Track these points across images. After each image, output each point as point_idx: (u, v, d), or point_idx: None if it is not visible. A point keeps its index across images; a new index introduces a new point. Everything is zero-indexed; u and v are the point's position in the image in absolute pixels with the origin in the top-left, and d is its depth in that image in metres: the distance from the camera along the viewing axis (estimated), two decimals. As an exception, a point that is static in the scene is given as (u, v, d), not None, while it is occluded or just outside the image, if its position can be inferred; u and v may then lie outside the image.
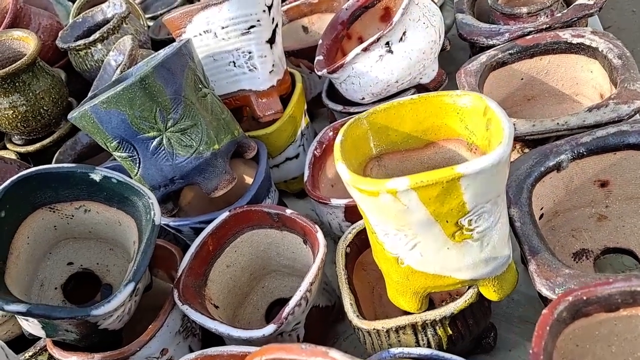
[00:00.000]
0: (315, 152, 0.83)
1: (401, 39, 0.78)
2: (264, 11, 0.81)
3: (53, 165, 0.63)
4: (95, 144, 0.97)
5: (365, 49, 0.77)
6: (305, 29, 1.13)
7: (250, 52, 0.81)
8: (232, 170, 0.74)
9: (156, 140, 0.68)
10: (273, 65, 0.84)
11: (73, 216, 0.66)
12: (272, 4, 0.82)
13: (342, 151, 0.55)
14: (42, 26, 1.26)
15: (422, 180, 0.46)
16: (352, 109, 0.88)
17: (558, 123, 0.68)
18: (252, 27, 0.80)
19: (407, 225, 0.51)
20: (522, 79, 0.85)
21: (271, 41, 0.84)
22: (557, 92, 0.85)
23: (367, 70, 0.80)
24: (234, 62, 0.82)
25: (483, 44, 0.85)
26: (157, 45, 1.31)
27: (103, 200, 0.65)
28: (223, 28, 0.80)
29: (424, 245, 0.52)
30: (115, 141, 0.68)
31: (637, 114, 0.67)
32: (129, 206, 0.64)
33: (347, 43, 0.96)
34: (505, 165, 0.49)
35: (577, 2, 0.83)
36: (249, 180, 0.87)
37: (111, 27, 1.02)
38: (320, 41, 0.92)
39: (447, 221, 0.50)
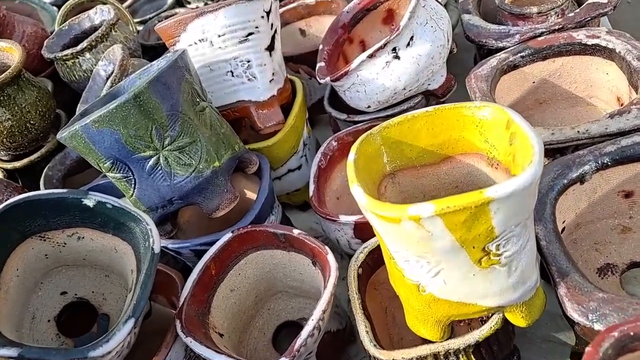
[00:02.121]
0: (319, 164, 0.79)
1: (408, 44, 0.74)
2: (262, 17, 0.77)
3: (43, 191, 0.58)
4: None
5: (370, 56, 0.73)
6: (302, 32, 1.09)
7: (249, 61, 0.77)
8: (233, 189, 0.69)
9: (152, 159, 0.63)
10: (273, 73, 0.80)
11: (65, 244, 0.62)
12: (270, 9, 0.78)
13: (356, 171, 0.51)
14: (26, 34, 1.21)
15: (448, 206, 0.42)
16: (357, 118, 0.84)
17: (579, 131, 0.65)
18: (250, 34, 0.76)
19: (430, 252, 0.47)
20: (533, 82, 0.81)
21: (270, 48, 0.79)
22: (570, 95, 0.82)
23: (373, 77, 0.76)
24: (231, 71, 0.78)
25: (492, 46, 0.82)
26: (147, 50, 1.27)
27: (97, 226, 0.60)
28: (220, 36, 0.75)
29: (448, 272, 0.48)
30: (109, 162, 0.64)
31: (662, 120, 0.63)
32: (126, 232, 0.60)
33: (348, 47, 0.91)
34: (537, 185, 0.45)
35: (590, 1, 0.79)
36: (250, 195, 0.83)
37: (99, 35, 0.97)
38: (321, 46, 0.88)
39: (473, 247, 0.46)
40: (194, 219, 0.80)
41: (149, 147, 0.63)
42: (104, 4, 1.19)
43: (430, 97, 0.84)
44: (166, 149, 0.63)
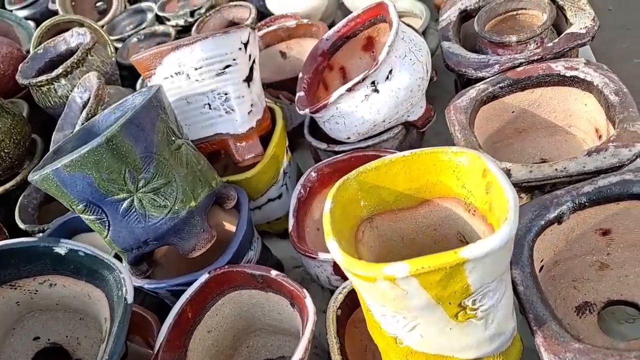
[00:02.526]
0: (299, 196, 0.78)
1: (387, 77, 0.73)
2: (240, 49, 0.75)
3: (13, 240, 0.57)
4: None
5: (349, 89, 0.73)
6: (283, 54, 1.08)
7: (226, 94, 0.76)
8: (210, 228, 0.68)
9: (126, 202, 0.62)
10: (252, 104, 0.79)
11: (37, 291, 0.60)
12: (248, 40, 0.77)
13: (332, 222, 0.50)
14: (1, 55, 1.18)
15: (423, 267, 0.42)
16: (337, 148, 0.83)
17: (557, 169, 0.64)
18: (228, 66, 0.75)
19: (406, 309, 0.46)
20: (513, 112, 0.81)
21: (249, 79, 0.78)
22: (550, 124, 0.82)
23: (352, 110, 0.75)
24: (209, 104, 0.77)
25: (472, 76, 0.81)
26: (124, 69, 1.25)
27: (70, 273, 0.59)
28: (196, 69, 0.74)
29: (424, 326, 0.48)
30: (82, 204, 0.62)
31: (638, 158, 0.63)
32: (99, 280, 0.58)
33: (328, 74, 0.91)
34: (512, 241, 0.45)
35: (568, 31, 0.79)
36: (229, 226, 0.82)
37: (75, 60, 0.96)
38: (300, 74, 0.87)
39: (449, 303, 0.46)
40: (171, 253, 0.79)
41: (123, 189, 0.61)
42: (81, 24, 1.17)
43: (410, 128, 0.83)
44: (140, 191, 0.62)
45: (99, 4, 1.56)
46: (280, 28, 1.05)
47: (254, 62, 0.80)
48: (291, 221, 0.75)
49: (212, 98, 0.76)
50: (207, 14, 1.31)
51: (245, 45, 0.77)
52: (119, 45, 1.38)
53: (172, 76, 0.75)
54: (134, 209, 0.63)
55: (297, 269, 0.89)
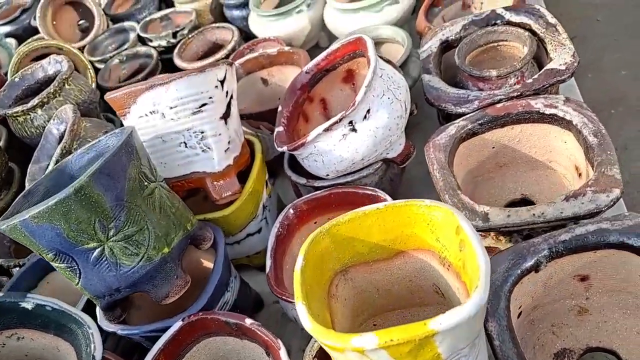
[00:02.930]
0: (277, 235, 0.77)
1: (365, 117, 0.72)
2: (216, 87, 0.74)
3: (-24, 296, 0.55)
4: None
5: (327, 129, 0.72)
6: (264, 81, 1.07)
7: (202, 132, 0.75)
8: (184, 274, 0.67)
9: (97, 251, 0.61)
10: (229, 142, 0.78)
11: (4, 344, 0.59)
12: (225, 77, 0.76)
13: (302, 282, 0.49)
14: (-21, 79, 1.16)
15: (392, 339, 0.41)
16: (316, 183, 0.82)
17: (534, 214, 0.64)
18: (204, 105, 0.74)
19: (377, 376, 0.45)
20: (493, 147, 0.80)
21: (226, 116, 0.77)
22: (531, 159, 0.81)
23: (331, 148, 0.74)
24: (185, 142, 0.75)
25: (451, 111, 0.81)
26: (105, 91, 1.23)
27: (38, 327, 0.58)
28: (171, 108, 0.73)
29: (396, 391, 0.47)
30: (51, 253, 0.61)
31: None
32: (67, 333, 0.57)
33: (309, 106, 0.90)
34: (484, 309, 0.44)
35: (548, 67, 0.79)
36: (206, 264, 0.81)
37: (51, 91, 0.94)
38: (280, 108, 0.86)
39: (421, 370, 0.45)
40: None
41: (93, 239, 0.60)
42: (60, 49, 1.15)
43: (390, 164, 0.83)
44: (111, 240, 0.61)
45: (81, 22, 1.54)
46: (261, 55, 1.04)
47: (231, 97, 0.79)
48: (268, 262, 0.74)
49: (188, 137, 0.75)
50: (190, 36, 1.30)
51: (222, 82, 0.75)
52: (101, 66, 1.36)
53: (146, 115, 0.74)
54: (104, 258, 0.61)
55: (276, 304, 0.88)
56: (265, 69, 1.06)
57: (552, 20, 0.86)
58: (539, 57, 0.87)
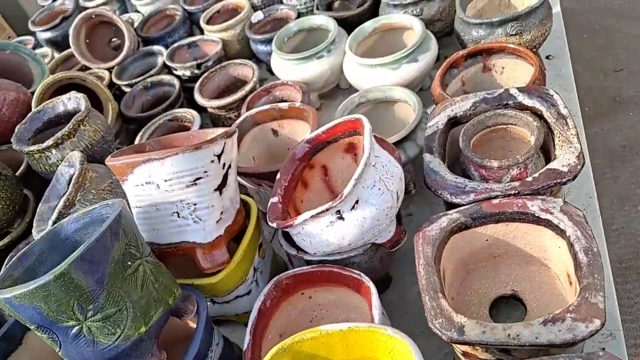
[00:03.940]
0: (259, 309, 0.78)
1: (354, 207, 0.72)
2: (212, 161, 0.76)
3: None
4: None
5: (314, 216, 0.72)
6: (274, 132, 1.08)
7: (195, 204, 0.76)
8: (159, 352, 0.69)
9: (75, 328, 0.63)
10: (222, 212, 0.79)
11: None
12: (222, 151, 0.77)
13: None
14: (7, 102, 1.22)
15: None
16: (306, 257, 0.82)
17: (509, 334, 0.63)
18: (199, 179, 0.75)
19: None
20: (486, 240, 0.79)
21: (221, 186, 0.78)
22: (525, 254, 0.79)
23: (318, 232, 0.74)
24: (177, 212, 0.77)
25: (447, 199, 0.79)
26: (129, 121, 1.27)
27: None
28: (166, 181, 0.74)
29: None
30: (34, 325, 0.64)
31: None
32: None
33: (309, 172, 0.90)
34: None
35: (550, 166, 0.76)
36: (192, 324, 0.83)
37: (66, 133, 0.97)
38: (279, 176, 0.86)
39: None
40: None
41: (72, 318, 0.62)
42: (83, 81, 1.19)
43: (378, 248, 0.82)
44: (89, 320, 0.63)
45: (113, 39, 1.58)
46: (272, 108, 1.04)
47: (229, 167, 0.80)
48: (247, 338, 0.75)
49: (181, 207, 0.77)
50: (212, 70, 1.32)
51: (219, 155, 0.77)
52: (127, 89, 1.40)
53: (142, 185, 0.75)
54: (82, 335, 0.64)
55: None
56: (275, 120, 1.06)
57: (564, 111, 0.83)
58: (547, 144, 0.85)
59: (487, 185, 0.78)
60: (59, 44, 1.82)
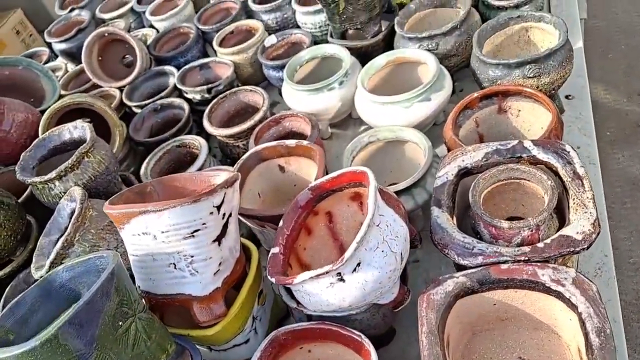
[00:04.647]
0: (256, 365, 0.76)
1: (355, 269, 0.69)
2: (212, 213, 0.73)
3: None
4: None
5: (313, 277, 0.69)
6: (281, 168, 1.05)
7: (192, 256, 0.74)
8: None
9: (61, 391, 0.62)
10: (220, 263, 0.77)
11: None
12: (222, 201, 0.75)
13: None
14: (15, 123, 1.21)
15: None
16: (307, 311, 0.80)
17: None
18: (197, 231, 0.73)
19: None
20: (494, 304, 0.76)
21: (220, 237, 0.76)
22: (534, 320, 0.76)
23: (318, 292, 0.72)
24: (174, 264, 0.75)
25: (454, 259, 0.76)
26: (135, 142, 1.26)
27: None
28: (163, 232, 0.72)
29: None
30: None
31: None
32: None
33: (312, 219, 0.87)
34: None
35: (564, 232, 0.73)
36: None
37: (69, 166, 0.96)
38: (281, 223, 0.84)
39: None
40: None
41: (59, 381, 0.61)
42: (91, 106, 1.17)
43: (380, 309, 0.79)
44: (76, 383, 0.62)
45: (126, 56, 1.57)
46: (279, 145, 1.02)
47: (230, 216, 0.78)
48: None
49: (178, 259, 0.75)
50: (222, 96, 1.30)
51: (219, 207, 0.74)
52: (138, 110, 1.38)
53: (139, 234, 0.74)
54: (69, 398, 0.62)
55: None
56: (282, 157, 1.04)
57: (581, 170, 0.79)
58: (561, 202, 0.81)
59: (496, 249, 0.75)
60: (74, 55, 1.82)
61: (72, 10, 1.95)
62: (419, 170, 0.93)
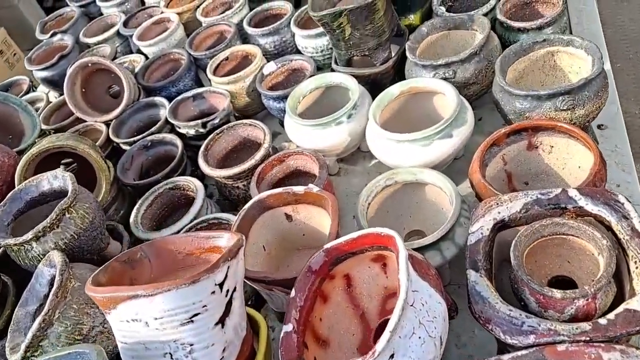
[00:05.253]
0: None
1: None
2: (213, 293, 0.62)
3: None
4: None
5: (338, 371, 0.58)
6: (288, 216, 0.94)
7: (191, 345, 0.63)
8: None
9: None
10: (224, 349, 0.66)
11: None
12: (226, 276, 0.63)
13: None
14: (-9, 167, 1.09)
15: None
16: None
17: None
18: (196, 315, 0.62)
19: None
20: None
21: (224, 317, 0.65)
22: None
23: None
24: (170, 353, 0.64)
25: (499, 337, 0.65)
26: (125, 185, 1.14)
27: None
28: (156, 319, 0.61)
29: None
30: None
31: None
32: None
33: (328, 284, 0.76)
34: None
35: (628, 306, 0.62)
36: None
37: (48, 225, 0.84)
38: (293, 293, 0.72)
39: None
40: None
41: None
42: (73, 149, 1.06)
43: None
44: None
45: (112, 86, 1.45)
46: (286, 192, 0.91)
47: (234, 290, 0.67)
48: None
49: (175, 348, 0.63)
50: (220, 131, 1.18)
51: (221, 284, 0.63)
52: (127, 147, 1.27)
53: (128, 321, 0.62)
54: None
55: None
56: (290, 205, 0.93)
57: (640, 225, 0.69)
58: (618, 266, 0.71)
59: (550, 326, 0.64)
60: (57, 83, 1.70)
61: (53, 34, 1.83)
62: (447, 221, 0.82)
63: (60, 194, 0.96)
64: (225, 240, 0.74)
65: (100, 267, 0.69)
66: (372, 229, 0.70)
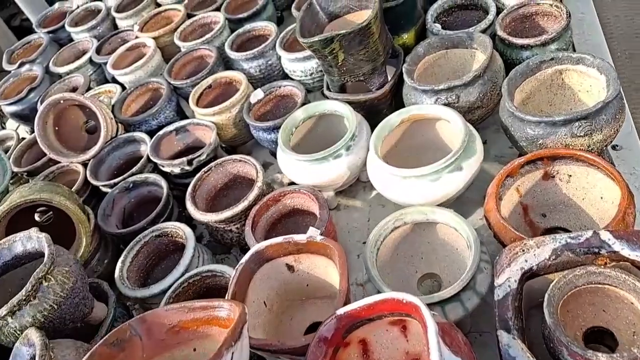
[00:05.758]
0: None
1: None
2: (217, 387, 0.54)
3: None
4: None
5: None
6: (290, 267, 0.86)
7: None
8: None
9: None
10: None
11: None
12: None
13: None
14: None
15: None
16: None
17: None
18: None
19: None
20: None
21: (230, 409, 0.57)
22: None
23: None
24: None
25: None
26: (106, 232, 1.05)
27: None
28: None
29: None
30: None
31: None
32: None
33: (343, 352, 0.68)
34: None
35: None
36: None
37: (24, 297, 0.75)
38: (304, 368, 0.65)
39: None
40: None
41: None
42: (49, 203, 0.97)
43: None
44: None
45: (87, 121, 1.36)
46: (287, 242, 0.83)
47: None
48: None
49: None
50: (207, 169, 1.10)
51: (226, 374, 0.55)
52: (107, 190, 1.17)
53: None
54: None
55: None
56: (291, 255, 0.85)
57: (687, 274, 0.62)
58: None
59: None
60: (27, 117, 1.60)
61: (21, 64, 1.73)
62: (467, 270, 0.75)
63: (36, 255, 0.87)
64: (225, 311, 0.66)
65: (86, 356, 0.61)
66: (392, 293, 0.62)
